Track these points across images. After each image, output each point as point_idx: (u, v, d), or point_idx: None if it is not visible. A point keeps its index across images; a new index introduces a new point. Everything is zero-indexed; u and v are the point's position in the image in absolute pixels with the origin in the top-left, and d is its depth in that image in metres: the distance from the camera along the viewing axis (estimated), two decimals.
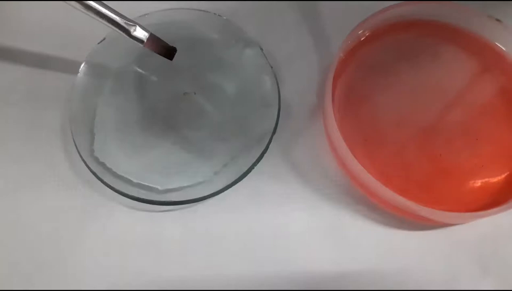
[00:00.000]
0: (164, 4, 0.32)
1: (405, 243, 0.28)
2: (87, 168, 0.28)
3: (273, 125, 0.29)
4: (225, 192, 0.27)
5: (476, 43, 0.32)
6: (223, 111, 0.31)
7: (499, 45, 0.31)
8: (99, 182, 0.27)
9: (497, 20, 0.30)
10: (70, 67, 0.31)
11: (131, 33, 0.26)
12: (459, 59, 0.31)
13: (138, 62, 0.32)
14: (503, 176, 0.28)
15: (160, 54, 0.28)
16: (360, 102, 0.30)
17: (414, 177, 0.28)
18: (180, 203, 0.27)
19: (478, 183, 0.28)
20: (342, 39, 0.29)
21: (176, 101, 0.31)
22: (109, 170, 0.28)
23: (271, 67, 0.30)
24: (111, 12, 0.26)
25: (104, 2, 0.26)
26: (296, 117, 0.31)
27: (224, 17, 0.31)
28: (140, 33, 0.27)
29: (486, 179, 0.28)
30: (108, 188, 0.27)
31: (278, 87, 0.30)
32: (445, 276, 0.27)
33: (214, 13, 0.32)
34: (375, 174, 0.26)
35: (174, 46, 0.28)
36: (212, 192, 0.27)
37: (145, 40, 0.27)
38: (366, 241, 0.28)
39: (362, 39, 0.31)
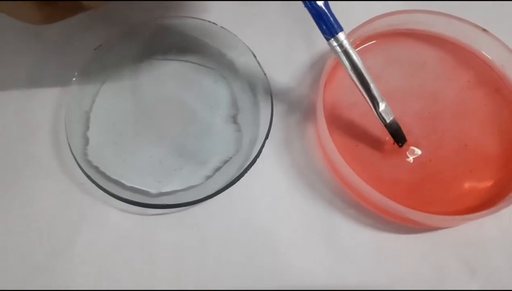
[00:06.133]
0: (159, 12, 0.33)
1: (394, 246, 0.28)
2: (80, 171, 0.28)
3: (266, 130, 0.29)
4: (217, 196, 0.27)
5: (464, 52, 0.32)
6: (216, 116, 0.31)
7: (485, 54, 0.32)
8: (92, 185, 0.27)
9: (484, 29, 0.31)
10: (65, 71, 0.32)
11: (378, 109, 0.27)
12: (447, 68, 0.32)
13: (132, 68, 0.32)
14: (490, 181, 0.29)
15: (394, 138, 0.29)
16: (351, 108, 0.30)
17: (404, 181, 0.29)
18: (173, 206, 0.27)
19: (467, 187, 0.28)
20: None
21: (169, 106, 0.31)
22: (102, 173, 0.29)
23: (265, 74, 0.31)
24: (373, 85, 0.27)
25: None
26: (288, 123, 0.31)
27: (218, 25, 0.32)
28: (386, 113, 0.28)
29: (474, 184, 0.29)
30: (101, 191, 0.27)
31: (271, 93, 0.30)
32: (432, 279, 0.27)
33: (209, 21, 0.32)
34: (366, 178, 0.26)
35: (405, 138, 0.29)
36: (204, 196, 0.27)
37: (388, 122, 0.28)
38: (357, 245, 0.28)
39: None
